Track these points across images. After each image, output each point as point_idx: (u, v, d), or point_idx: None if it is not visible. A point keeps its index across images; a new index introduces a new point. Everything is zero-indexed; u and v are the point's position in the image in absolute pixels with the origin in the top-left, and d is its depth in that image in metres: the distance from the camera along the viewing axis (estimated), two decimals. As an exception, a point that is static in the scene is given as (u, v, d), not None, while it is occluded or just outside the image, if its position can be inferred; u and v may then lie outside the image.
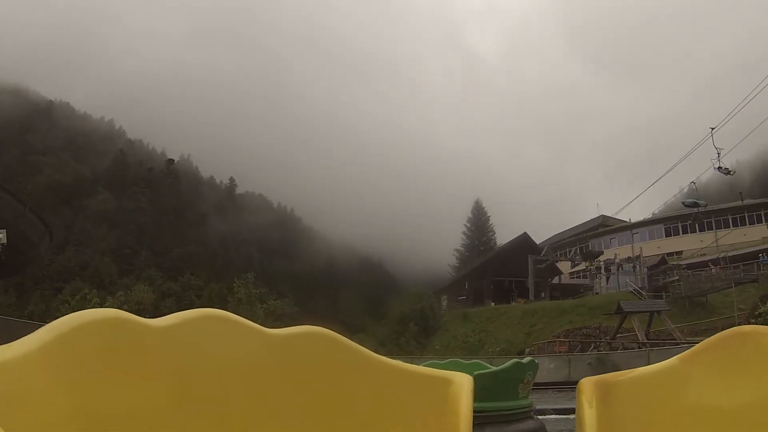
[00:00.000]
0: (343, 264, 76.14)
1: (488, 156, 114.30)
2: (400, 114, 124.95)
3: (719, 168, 24.12)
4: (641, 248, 44.44)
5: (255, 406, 1.22)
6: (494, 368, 3.68)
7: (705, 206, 35.85)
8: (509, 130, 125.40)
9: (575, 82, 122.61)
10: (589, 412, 1.16)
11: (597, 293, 42.68)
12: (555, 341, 32.68)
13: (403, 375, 1.37)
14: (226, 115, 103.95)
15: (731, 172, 25.16)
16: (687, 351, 1.29)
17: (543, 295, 45.64)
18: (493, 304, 45.88)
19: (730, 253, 38.33)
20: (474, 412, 1.29)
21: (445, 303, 51.65)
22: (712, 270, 36.60)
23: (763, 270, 33.81)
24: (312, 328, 1.37)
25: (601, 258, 45.28)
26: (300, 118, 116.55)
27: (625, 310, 26.91)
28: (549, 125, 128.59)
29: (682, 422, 1.21)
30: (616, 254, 43.91)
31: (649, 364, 1.39)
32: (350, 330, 37.19)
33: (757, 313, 23.74)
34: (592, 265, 43.84)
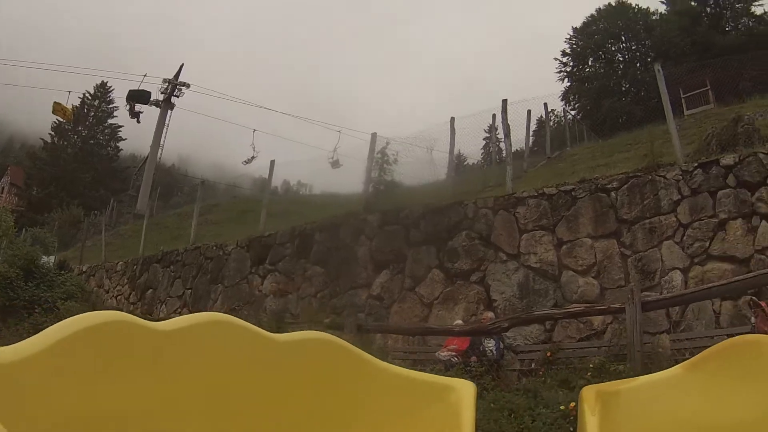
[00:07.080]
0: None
1: None
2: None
3: None
4: None
5: (259, 411, 1.22)
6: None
7: None
8: None
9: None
10: (591, 420, 1.17)
11: None
12: None
13: (406, 381, 1.37)
14: None
15: None
16: (690, 359, 1.27)
17: None
18: None
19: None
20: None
21: None
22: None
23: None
24: (317, 334, 1.39)
25: None
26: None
27: None
28: None
29: (684, 431, 1.18)
30: None
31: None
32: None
33: None
34: None
